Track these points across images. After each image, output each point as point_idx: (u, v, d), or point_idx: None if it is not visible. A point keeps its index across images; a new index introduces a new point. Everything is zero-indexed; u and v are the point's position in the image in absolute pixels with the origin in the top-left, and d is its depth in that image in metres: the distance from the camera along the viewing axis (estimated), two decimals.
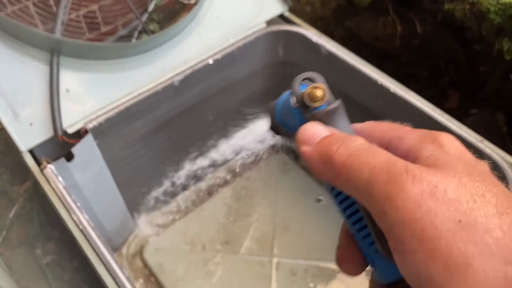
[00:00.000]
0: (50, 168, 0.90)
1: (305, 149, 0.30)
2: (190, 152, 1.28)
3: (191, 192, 1.38)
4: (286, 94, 0.37)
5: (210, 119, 1.25)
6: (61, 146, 1.02)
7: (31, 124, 0.94)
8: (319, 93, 0.32)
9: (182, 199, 1.37)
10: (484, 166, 0.29)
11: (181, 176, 1.32)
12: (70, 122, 0.96)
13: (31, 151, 0.95)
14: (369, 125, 0.33)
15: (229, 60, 1.14)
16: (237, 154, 1.47)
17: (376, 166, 0.26)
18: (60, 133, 0.94)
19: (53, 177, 0.88)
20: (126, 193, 1.18)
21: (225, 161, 1.45)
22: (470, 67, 1.67)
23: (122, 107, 1.00)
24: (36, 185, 1.48)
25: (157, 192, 1.30)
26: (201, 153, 1.33)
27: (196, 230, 1.31)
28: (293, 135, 0.34)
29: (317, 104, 0.32)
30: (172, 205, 1.36)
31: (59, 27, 0.99)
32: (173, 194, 1.36)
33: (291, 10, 1.24)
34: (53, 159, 0.96)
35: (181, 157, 1.26)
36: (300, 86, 0.34)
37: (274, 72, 1.30)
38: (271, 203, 1.37)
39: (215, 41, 1.13)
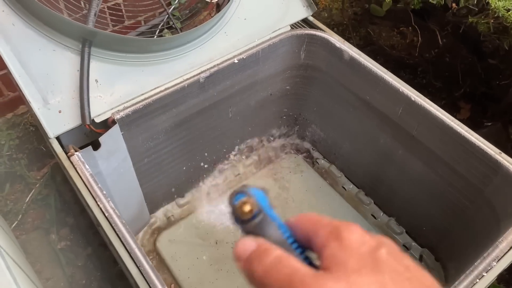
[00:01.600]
0: (78, 155, 0.92)
1: (238, 265, 0.35)
2: (208, 148, 1.30)
3: (207, 186, 1.40)
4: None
5: (230, 117, 1.27)
6: (87, 135, 1.04)
7: (60, 112, 0.96)
8: (246, 208, 0.35)
9: (198, 192, 1.39)
10: (383, 249, 0.32)
11: (197, 170, 1.34)
12: (98, 112, 0.99)
13: (57, 138, 0.97)
14: (299, 219, 0.37)
15: (253, 60, 1.17)
16: (252, 152, 1.49)
17: (283, 280, 0.31)
18: (88, 122, 0.97)
19: (80, 165, 0.91)
20: (144, 184, 1.20)
21: (242, 159, 1.47)
22: (485, 81, 1.70)
23: (149, 100, 1.02)
24: (54, 171, 1.50)
25: (173, 185, 1.32)
26: (219, 150, 1.35)
27: (208, 224, 1.33)
28: None
29: (246, 217, 0.36)
30: (188, 198, 1.38)
31: (91, 18, 1.02)
32: (188, 188, 1.38)
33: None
34: (79, 147, 0.98)
35: (199, 152, 1.29)
36: (236, 197, 0.37)
37: (294, 74, 1.32)
38: (282, 204, 1.39)
39: (240, 41, 1.15)
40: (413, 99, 1.06)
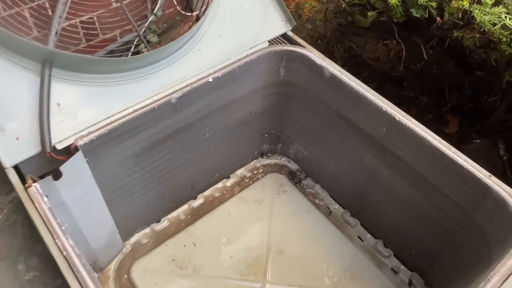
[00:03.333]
0: (36, 187, 0.84)
1: None
2: (184, 170, 1.23)
3: (182, 212, 1.33)
4: None
5: (207, 138, 1.20)
6: (49, 162, 0.97)
7: (17, 139, 0.89)
8: None
9: (173, 218, 1.32)
10: None
11: (174, 194, 1.27)
12: (60, 137, 0.91)
13: (16, 167, 0.90)
14: None
15: (229, 78, 1.10)
16: (233, 172, 1.42)
17: None
18: (48, 149, 0.90)
19: (38, 197, 0.83)
20: (115, 211, 1.13)
21: (219, 180, 1.40)
22: (473, 95, 1.65)
23: (116, 123, 0.95)
24: None
25: (148, 210, 1.25)
26: (196, 172, 1.28)
27: (186, 251, 1.26)
28: None
29: None
30: (163, 224, 1.31)
31: (52, 37, 0.95)
32: (163, 213, 1.31)
33: (293, 28, 1.21)
34: (40, 175, 0.91)
35: (174, 175, 1.22)
36: None
37: (275, 92, 1.26)
38: (265, 225, 1.32)
39: (216, 59, 1.09)
40: (397, 118, 1.00)
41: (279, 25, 1.18)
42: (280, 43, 1.18)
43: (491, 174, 0.91)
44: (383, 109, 1.02)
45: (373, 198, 1.24)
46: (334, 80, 1.10)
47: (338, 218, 1.36)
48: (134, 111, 0.98)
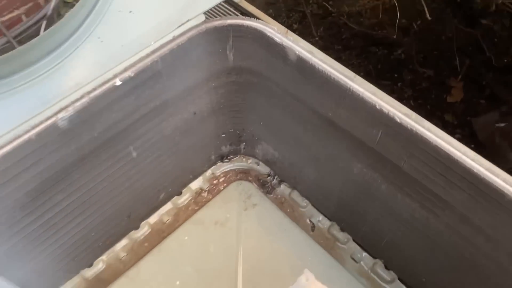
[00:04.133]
0: None
1: None
2: (110, 201, 0.91)
3: (121, 249, 1.01)
4: None
5: (134, 157, 0.87)
6: None
7: None
8: None
9: (110, 258, 1.00)
10: None
11: (101, 232, 0.95)
12: None
13: None
14: None
15: (150, 76, 0.76)
16: (184, 187, 1.10)
17: None
18: None
19: None
20: (20, 269, 0.81)
21: (168, 200, 1.08)
22: (481, 50, 1.32)
23: None
24: None
25: (71, 256, 0.93)
26: (129, 198, 0.96)
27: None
28: None
29: None
30: (96, 269, 0.99)
31: None
32: (95, 255, 0.99)
33: None
34: None
35: (94, 211, 0.89)
36: None
37: (223, 83, 0.92)
38: (232, 256, 1.02)
39: (125, 49, 0.74)
40: (398, 120, 0.68)
41: None
42: (223, 15, 0.83)
43: None
44: (377, 107, 0.69)
45: (368, 212, 0.93)
46: (302, 65, 0.76)
47: (324, 233, 1.06)
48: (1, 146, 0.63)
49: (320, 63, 0.73)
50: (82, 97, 0.69)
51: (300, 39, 0.76)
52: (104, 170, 0.82)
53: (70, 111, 0.67)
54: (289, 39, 0.76)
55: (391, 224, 0.90)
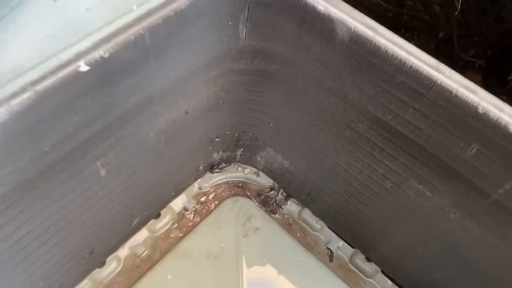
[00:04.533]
0: None
1: None
2: (67, 236, 0.64)
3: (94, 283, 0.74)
4: None
5: (103, 176, 0.60)
6: None
7: None
8: None
9: None
10: None
11: (54, 277, 0.68)
12: None
13: None
14: None
15: (132, 57, 0.49)
16: (163, 208, 0.84)
17: None
18: None
19: None
20: None
21: (142, 226, 0.82)
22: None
23: None
24: None
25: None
26: (92, 232, 0.68)
27: None
28: None
29: None
30: None
31: None
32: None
33: None
34: None
35: (42, 254, 0.62)
36: None
37: (228, 70, 0.67)
38: (231, 285, 0.78)
39: (93, 14, 0.47)
40: (504, 124, 0.46)
41: None
42: None
43: None
44: (479, 110, 0.47)
45: (417, 245, 0.72)
46: (357, 48, 0.52)
47: (345, 264, 0.85)
48: None
49: (390, 44, 0.50)
50: (23, 90, 0.41)
51: (354, 9, 0.53)
52: (57, 198, 0.55)
53: (3, 113, 0.40)
54: (339, 8, 0.52)
55: (441, 256, 0.70)
